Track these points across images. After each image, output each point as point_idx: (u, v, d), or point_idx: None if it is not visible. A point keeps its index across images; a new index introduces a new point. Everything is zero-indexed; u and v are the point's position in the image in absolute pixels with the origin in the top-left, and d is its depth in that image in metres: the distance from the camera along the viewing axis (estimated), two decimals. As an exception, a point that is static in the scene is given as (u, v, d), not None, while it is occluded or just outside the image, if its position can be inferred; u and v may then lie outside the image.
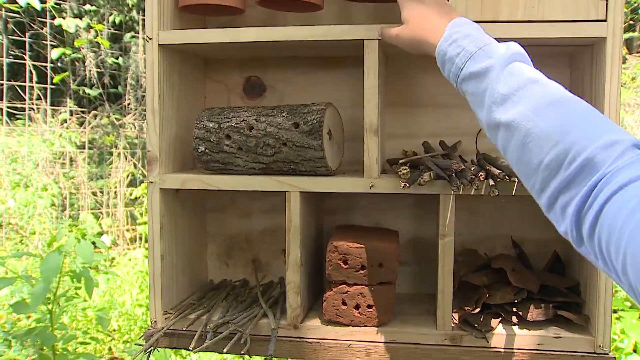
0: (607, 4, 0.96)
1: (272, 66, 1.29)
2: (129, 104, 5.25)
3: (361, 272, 1.06)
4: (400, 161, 1.06)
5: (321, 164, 1.05)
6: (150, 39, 1.08)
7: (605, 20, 0.97)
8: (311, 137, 1.03)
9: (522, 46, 0.78)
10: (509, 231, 1.23)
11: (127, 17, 4.95)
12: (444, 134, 1.23)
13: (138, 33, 4.80)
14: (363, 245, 1.05)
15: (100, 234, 4.31)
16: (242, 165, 1.09)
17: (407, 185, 0.98)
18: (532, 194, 0.70)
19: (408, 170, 0.98)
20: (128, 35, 4.81)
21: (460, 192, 0.99)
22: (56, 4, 4.31)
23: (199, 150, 1.09)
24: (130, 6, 4.90)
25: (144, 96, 5.03)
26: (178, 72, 1.18)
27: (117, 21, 4.80)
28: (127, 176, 4.95)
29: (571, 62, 1.18)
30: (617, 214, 0.55)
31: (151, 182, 1.11)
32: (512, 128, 0.70)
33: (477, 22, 0.99)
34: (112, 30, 4.76)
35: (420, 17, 0.88)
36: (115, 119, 5.06)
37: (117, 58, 4.90)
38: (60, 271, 1.91)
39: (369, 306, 1.07)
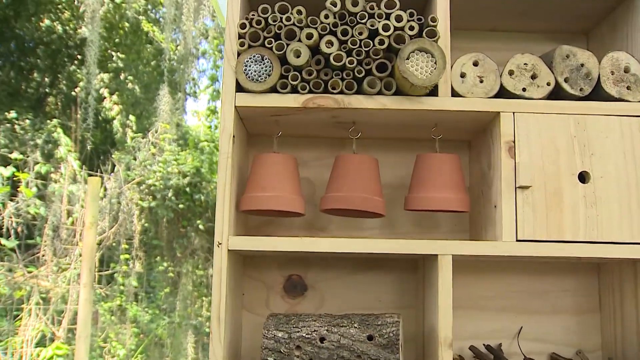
0: (651, 230, 1.09)
1: (313, 266, 1.29)
2: (43, 256, 4.94)
3: None
4: (473, 374, 1.07)
5: (395, 377, 1.04)
6: (220, 244, 1.07)
7: (647, 243, 1.08)
8: (388, 350, 1.03)
9: None
10: None
11: (52, 168, 4.81)
12: (484, 336, 1.26)
13: (62, 184, 4.65)
14: None
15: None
16: (310, 377, 1.05)
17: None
18: None
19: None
20: (56, 185, 4.65)
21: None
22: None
23: (267, 362, 1.05)
24: (57, 158, 4.81)
25: (64, 248, 4.78)
26: (232, 274, 1.15)
27: (42, 171, 4.65)
28: (36, 334, 4.54)
29: (600, 270, 1.28)
30: None
31: (213, 397, 1.03)
32: None
33: (543, 241, 1.07)
34: (40, 181, 4.59)
35: None
36: (28, 271, 4.72)
37: (38, 208, 4.68)
38: None
39: None
